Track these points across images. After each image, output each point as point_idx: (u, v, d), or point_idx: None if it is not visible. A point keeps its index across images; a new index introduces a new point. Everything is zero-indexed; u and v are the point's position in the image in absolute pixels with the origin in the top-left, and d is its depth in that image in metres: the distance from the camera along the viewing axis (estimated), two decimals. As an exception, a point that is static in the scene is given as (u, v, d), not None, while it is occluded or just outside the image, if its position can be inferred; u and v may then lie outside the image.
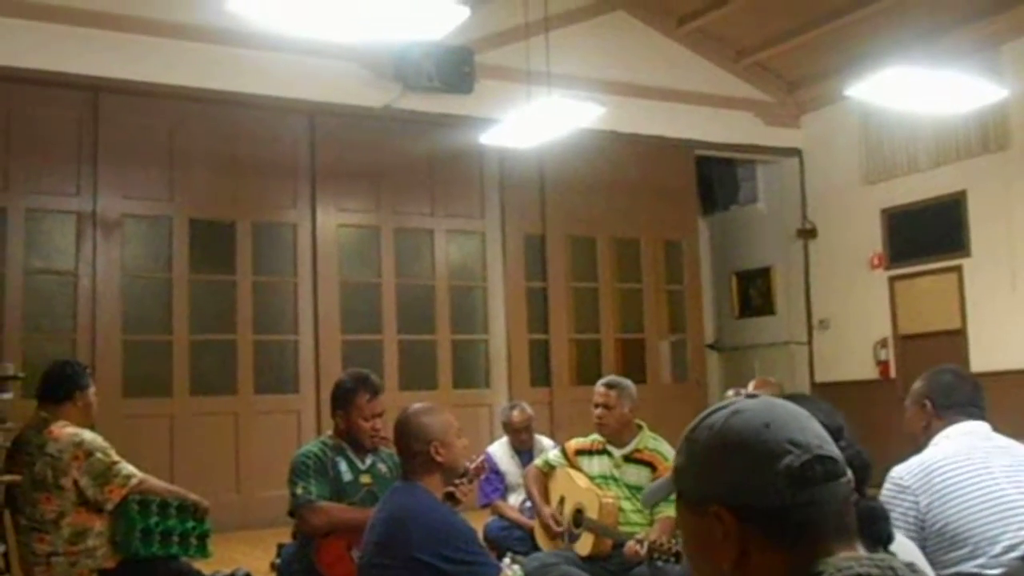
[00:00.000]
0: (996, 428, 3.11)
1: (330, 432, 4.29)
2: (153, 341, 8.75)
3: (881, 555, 1.23)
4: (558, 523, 4.90)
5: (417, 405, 3.40)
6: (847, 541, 1.21)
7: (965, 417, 3.04)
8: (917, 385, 3.17)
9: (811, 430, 1.24)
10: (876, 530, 1.60)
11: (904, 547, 2.09)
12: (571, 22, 9.94)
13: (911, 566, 1.21)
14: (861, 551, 1.22)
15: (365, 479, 4.12)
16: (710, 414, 1.30)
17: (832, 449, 1.23)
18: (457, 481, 3.58)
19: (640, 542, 4.40)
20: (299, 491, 3.99)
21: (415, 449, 3.22)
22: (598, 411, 4.90)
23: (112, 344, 8.46)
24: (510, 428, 6.21)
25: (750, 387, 5.91)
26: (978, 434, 3.02)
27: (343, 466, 4.12)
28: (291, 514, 4.12)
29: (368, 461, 4.20)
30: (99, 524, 4.22)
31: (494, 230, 10.26)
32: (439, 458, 3.21)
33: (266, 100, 8.92)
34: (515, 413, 6.21)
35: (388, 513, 3.17)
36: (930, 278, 10.15)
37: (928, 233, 10.13)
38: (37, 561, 4.12)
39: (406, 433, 3.26)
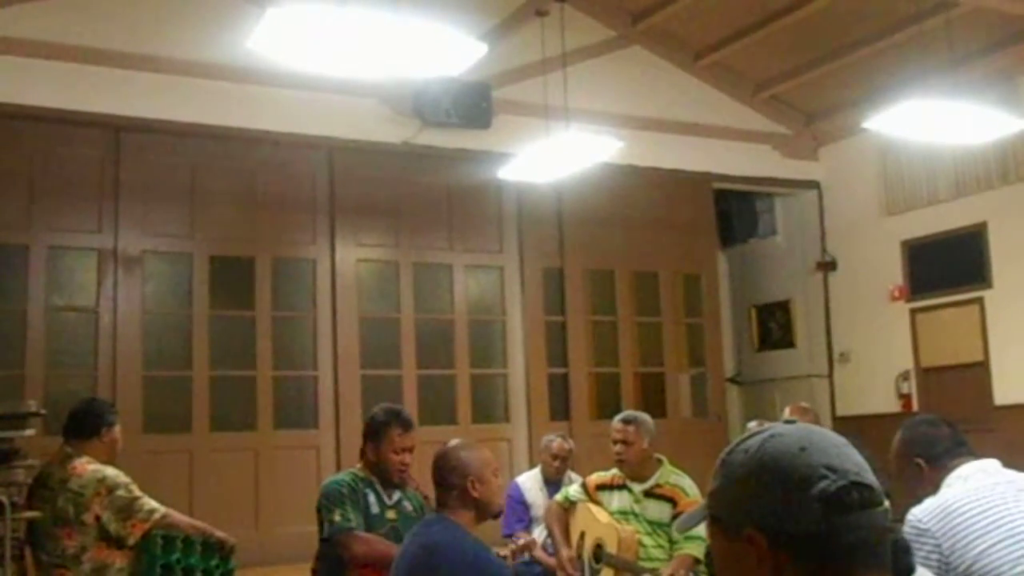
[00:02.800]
0: (1016, 461, 3.07)
1: (359, 465, 4.30)
2: (173, 377, 8.77)
3: None
4: (575, 566, 4.88)
5: (457, 441, 3.46)
6: (879, 573, 1.20)
7: (962, 458, 3.01)
8: (898, 449, 3.13)
9: (848, 456, 1.23)
10: (898, 562, 1.58)
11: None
12: (588, 57, 9.99)
13: None
14: None
15: (391, 514, 4.12)
16: (746, 439, 1.29)
17: (869, 477, 1.22)
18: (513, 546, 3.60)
19: None
20: (337, 518, 3.99)
21: (452, 483, 3.23)
22: (617, 447, 4.88)
23: (132, 380, 8.49)
24: (548, 454, 6.21)
25: (786, 413, 5.85)
26: (990, 472, 2.98)
27: (371, 498, 4.13)
28: (324, 540, 4.07)
29: (395, 497, 4.20)
30: (120, 560, 4.22)
31: (512, 264, 10.27)
32: (475, 493, 3.22)
33: (286, 137, 8.99)
34: (558, 441, 6.25)
35: (419, 545, 3.17)
36: (952, 310, 10.08)
37: (949, 265, 10.07)
38: (57, 598, 4.12)
39: (444, 466, 3.27)
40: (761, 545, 1.19)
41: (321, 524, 4.08)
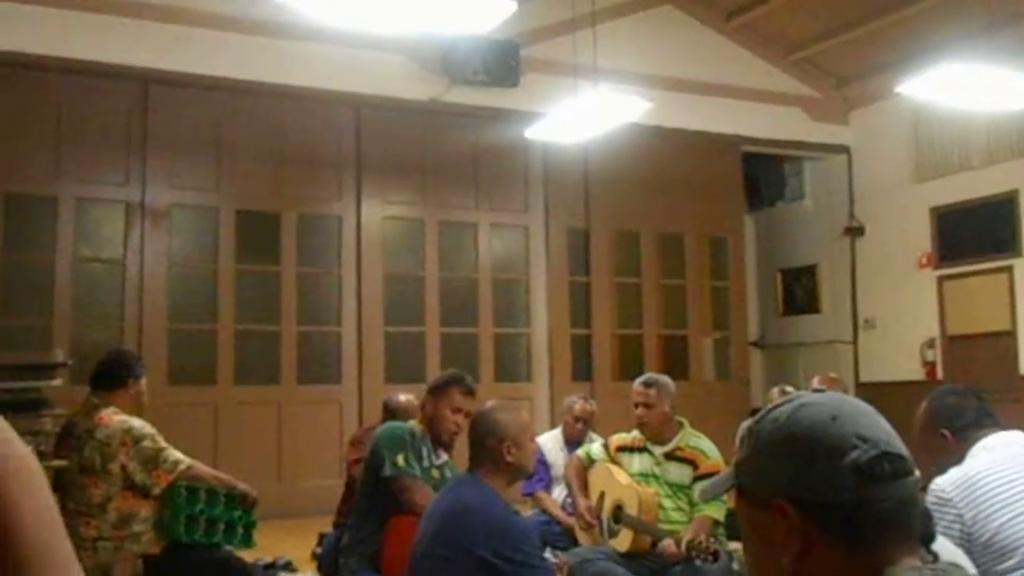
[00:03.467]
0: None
1: (415, 420, 4.35)
2: (198, 330, 8.84)
3: (943, 565, 1.20)
4: (593, 515, 4.89)
5: (494, 402, 3.45)
6: (909, 544, 1.18)
7: (987, 429, 2.99)
8: (923, 419, 3.10)
9: (880, 426, 1.22)
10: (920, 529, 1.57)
11: (946, 548, 2.06)
12: (618, 16, 9.90)
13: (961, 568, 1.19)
14: (919, 562, 1.19)
15: (435, 473, 4.14)
16: (775, 407, 1.26)
17: (900, 446, 1.21)
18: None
19: (679, 541, 4.38)
20: (401, 462, 4.00)
21: (487, 444, 3.24)
22: (639, 411, 4.87)
23: (158, 332, 8.56)
24: (571, 415, 6.21)
25: (814, 383, 5.82)
26: (1015, 443, 2.96)
27: (424, 452, 4.16)
28: (385, 479, 4.02)
29: (442, 458, 4.23)
30: (145, 510, 4.27)
31: (538, 224, 10.25)
32: (509, 457, 3.23)
33: (313, 92, 8.97)
34: (580, 402, 6.24)
35: (449, 504, 3.18)
36: (980, 278, 10.00)
37: (979, 233, 9.98)
38: (83, 545, 4.17)
39: (481, 427, 3.28)
40: (791, 515, 1.17)
41: (377, 464, 4.05)
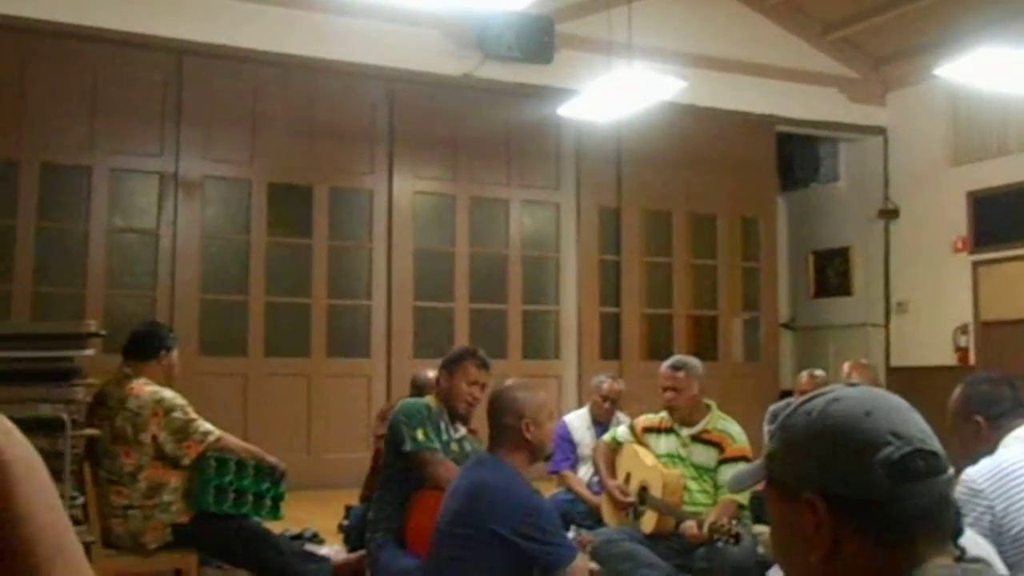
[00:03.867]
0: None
1: (431, 396, 4.36)
2: (230, 301, 8.90)
3: (976, 565, 1.19)
4: (625, 494, 4.90)
5: (514, 380, 3.46)
6: (941, 542, 1.18)
7: (1022, 419, 2.96)
8: (957, 406, 3.07)
9: (914, 422, 1.20)
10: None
11: (974, 542, 2.05)
12: (654, -7, 9.81)
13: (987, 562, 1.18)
14: (951, 560, 1.18)
15: (454, 447, 4.16)
16: (808, 400, 1.26)
17: (934, 444, 1.19)
18: None
19: (700, 523, 4.39)
20: (421, 437, 4.03)
21: (507, 422, 3.25)
22: (668, 394, 4.86)
23: (190, 303, 8.63)
24: (599, 394, 6.20)
25: (844, 369, 5.77)
26: None
27: (442, 426, 4.18)
28: (405, 454, 4.06)
29: (460, 432, 4.24)
30: (175, 479, 4.32)
31: (569, 202, 10.22)
32: (528, 435, 3.24)
33: (346, 66, 8.97)
34: (609, 382, 6.23)
35: (470, 482, 3.20)
36: (1016, 264, 9.87)
37: (1015, 218, 9.85)
38: (114, 513, 4.24)
39: (501, 406, 3.29)
40: (821, 510, 1.17)
41: (397, 439, 4.09)
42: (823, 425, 1.20)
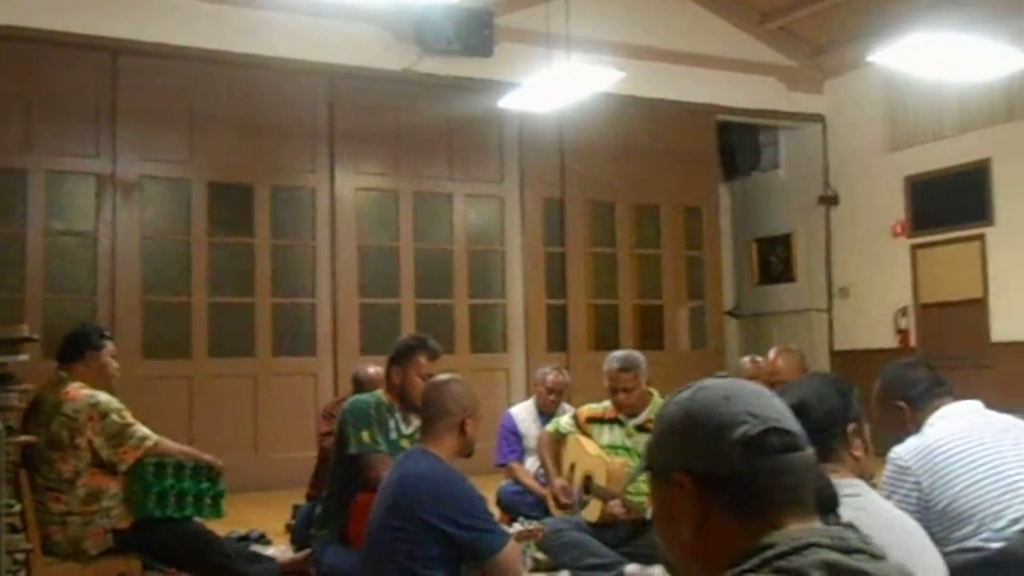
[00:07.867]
0: (1013, 399, 3.09)
1: (382, 390, 4.32)
2: (172, 303, 8.80)
3: (837, 527, 1.27)
4: (567, 495, 4.93)
5: (451, 375, 3.45)
6: (803, 513, 1.25)
7: (943, 399, 3.03)
8: (879, 391, 3.15)
9: (771, 405, 1.30)
10: (821, 496, 1.61)
11: (901, 520, 2.09)
12: (592, -15, 9.84)
13: (867, 538, 1.25)
14: (817, 524, 1.26)
15: (405, 443, 4.13)
16: (678, 392, 1.36)
17: (790, 423, 1.29)
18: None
19: (623, 502, 4.49)
20: (366, 438, 4.00)
21: (448, 410, 3.24)
22: (620, 396, 4.88)
23: (131, 305, 8.52)
24: (543, 386, 6.21)
25: (771, 355, 5.85)
26: (972, 412, 3.01)
27: (391, 423, 4.15)
28: (351, 457, 4.04)
29: (412, 426, 4.21)
30: (114, 485, 4.26)
31: (513, 194, 10.23)
32: (467, 429, 3.25)
33: (285, 63, 8.90)
34: (553, 374, 6.23)
35: (399, 476, 3.20)
36: (953, 247, 10.05)
37: (951, 201, 10.02)
38: (52, 520, 4.17)
39: (442, 396, 3.28)
40: (688, 487, 1.26)
41: (343, 440, 4.07)
42: (688, 411, 1.31)
